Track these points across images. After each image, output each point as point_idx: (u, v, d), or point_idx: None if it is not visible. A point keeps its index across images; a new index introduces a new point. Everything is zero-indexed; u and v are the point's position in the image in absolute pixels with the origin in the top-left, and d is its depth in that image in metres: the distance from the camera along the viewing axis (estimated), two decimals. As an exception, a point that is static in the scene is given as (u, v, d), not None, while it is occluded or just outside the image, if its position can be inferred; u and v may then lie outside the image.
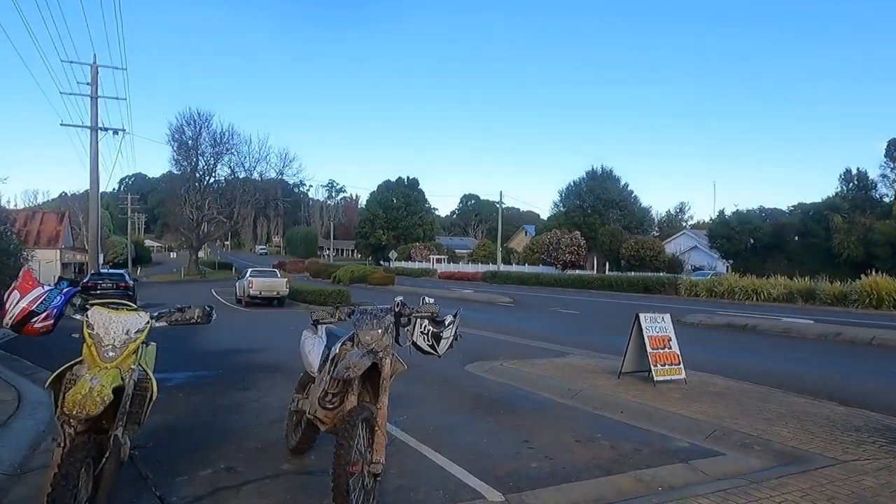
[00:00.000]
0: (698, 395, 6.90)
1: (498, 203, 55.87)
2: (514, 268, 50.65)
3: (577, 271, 44.41)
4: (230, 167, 57.53)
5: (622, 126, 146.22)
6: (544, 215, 73.44)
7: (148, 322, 2.99)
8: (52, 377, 2.77)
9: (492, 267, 50.76)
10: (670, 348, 8.09)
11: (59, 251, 40.61)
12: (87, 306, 2.93)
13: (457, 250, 75.71)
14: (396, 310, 3.80)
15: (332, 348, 3.92)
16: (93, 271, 27.22)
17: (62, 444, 2.62)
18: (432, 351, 3.82)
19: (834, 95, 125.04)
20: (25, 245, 20.04)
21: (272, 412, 5.74)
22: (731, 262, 36.86)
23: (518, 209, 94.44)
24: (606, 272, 44.79)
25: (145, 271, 59.48)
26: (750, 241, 35.13)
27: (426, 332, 3.83)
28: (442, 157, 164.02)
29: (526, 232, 74.74)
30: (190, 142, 54.57)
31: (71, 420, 2.58)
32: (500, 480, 4.10)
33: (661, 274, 33.93)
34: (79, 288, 3.27)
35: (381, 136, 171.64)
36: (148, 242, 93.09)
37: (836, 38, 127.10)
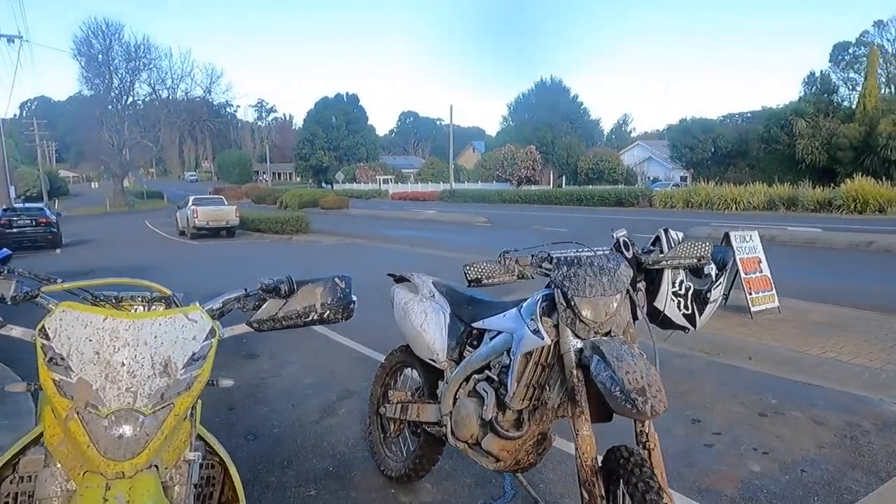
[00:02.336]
0: (815, 328, 5.67)
1: (439, 120, 53.13)
2: (471, 185, 48.91)
3: (534, 187, 43.22)
4: (150, 85, 51.72)
5: (569, 38, 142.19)
6: (489, 131, 71.28)
7: (212, 328, 1.27)
8: None
9: (444, 186, 48.81)
10: (762, 272, 6.79)
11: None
12: (43, 298, 1.23)
13: (403, 170, 72.93)
14: (628, 254, 2.09)
15: (498, 323, 2.20)
16: (4, 206, 23.57)
17: None
18: (686, 323, 2.15)
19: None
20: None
21: (310, 395, 4.01)
22: (691, 171, 36.51)
23: (460, 125, 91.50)
24: (563, 187, 43.87)
25: (64, 204, 53.90)
26: (712, 149, 34.66)
27: (683, 291, 2.14)
28: (376, 73, 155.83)
29: (474, 148, 72.51)
30: (100, 56, 48.20)
31: None
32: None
33: (636, 186, 33.11)
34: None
35: (309, 52, 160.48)
36: (63, 173, 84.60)
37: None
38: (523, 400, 2.04)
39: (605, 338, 1.88)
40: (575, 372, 1.90)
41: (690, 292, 2.10)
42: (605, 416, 1.93)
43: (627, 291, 1.96)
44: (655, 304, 2.10)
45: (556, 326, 1.99)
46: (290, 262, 11.97)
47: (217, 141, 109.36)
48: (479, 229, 20.02)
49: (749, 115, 39.08)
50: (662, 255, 2.03)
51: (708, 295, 2.10)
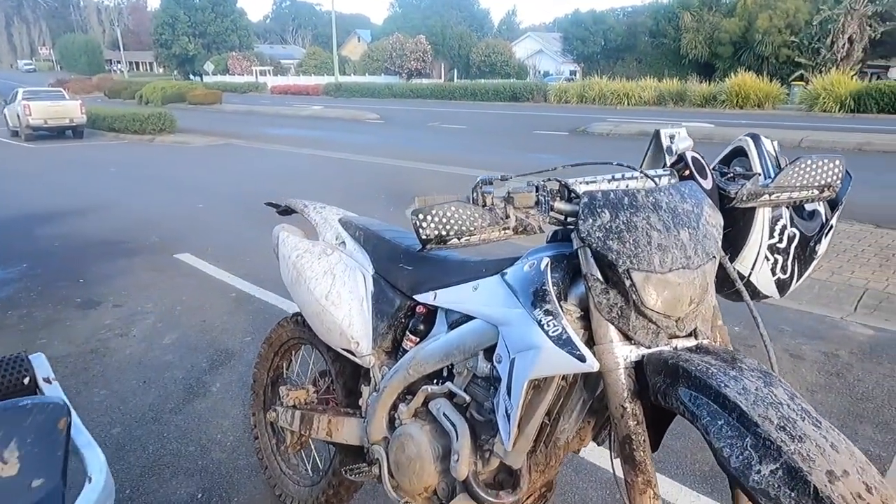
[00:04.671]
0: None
1: (318, 5, 48.47)
2: (358, 78, 45.72)
3: (425, 80, 41.20)
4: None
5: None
6: (374, 19, 66.50)
7: None
8: None
9: (328, 78, 45.27)
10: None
11: None
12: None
13: (282, 61, 67.08)
14: (706, 184, 1.20)
15: (469, 303, 1.27)
16: None
17: None
18: (775, 292, 1.33)
19: None
20: None
21: (171, 362, 2.94)
22: (581, 65, 36.15)
23: (342, 12, 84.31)
24: (454, 80, 42.27)
25: None
26: (602, 42, 34.25)
27: (785, 244, 1.29)
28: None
29: (359, 38, 67.57)
30: None
31: None
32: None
33: (528, 80, 32.21)
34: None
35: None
36: None
37: None
38: (524, 444, 1.17)
39: (697, 352, 1.01)
40: (629, 408, 1.04)
41: (794, 245, 1.27)
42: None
43: (717, 250, 1.09)
44: (737, 265, 1.25)
45: (584, 318, 1.10)
46: (151, 169, 10.10)
47: (55, 24, 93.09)
48: (371, 126, 18.51)
49: (630, 8, 38.88)
50: (766, 185, 1.17)
51: (816, 247, 1.29)
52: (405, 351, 1.47)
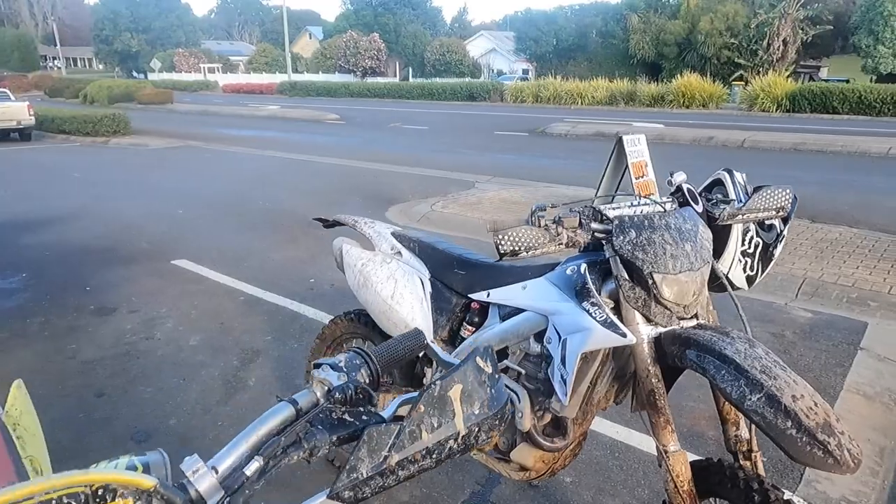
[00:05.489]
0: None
1: (265, 1, 47.78)
2: (312, 76, 45.31)
3: (380, 79, 41.29)
4: None
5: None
6: (325, 16, 65.89)
7: None
8: None
9: (281, 76, 44.75)
10: (647, 175, 6.87)
11: None
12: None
13: (231, 58, 65.60)
14: (698, 208, 1.63)
15: (520, 299, 1.66)
16: None
17: None
18: (744, 285, 1.78)
19: None
20: None
21: (203, 362, 3.22)
22: (534, 64, 37.04)
23: (291, 8, 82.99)
24: (409, 79, 42.50)
25: None
26: (554, 41, 35.20)
27: (752, 249, 1.74)
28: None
29: (311, 34, 66.80)
30: None
31: None
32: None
33: (483, 79, 32.74)
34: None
35: None
36: None
37: None
38: (576, 401, 1.58)
39: (700, 329, 1.44)
40: (652, 370, 1.47)
41: (759, 250, 1.72)
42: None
43: (709, 259, 1.52)
44: (719, 265, 1.69)
45: (615, 308, 1.51)
46: (116, 172, 10.05)
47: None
48: (332, 127, 18.62)
49: (578, 7, 39.87)
50: (739, 208, 1.61)
51: (774, 251, 1.75)
52: (463, 338, 1.85)
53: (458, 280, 1.90)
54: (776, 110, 19.61)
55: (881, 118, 17.75)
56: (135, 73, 60.67)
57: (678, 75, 22.94)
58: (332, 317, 2.38)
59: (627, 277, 1.47)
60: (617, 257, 1.49)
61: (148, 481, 0.51)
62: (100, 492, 0.49)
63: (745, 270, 1.73)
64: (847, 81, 23.86)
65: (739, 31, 29.57)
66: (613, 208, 1.64)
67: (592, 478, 2.32)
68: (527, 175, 9.26)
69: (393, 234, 2.12)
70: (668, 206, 1.62)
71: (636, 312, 1.46)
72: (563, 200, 1.73)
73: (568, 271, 1.61)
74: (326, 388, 0.68)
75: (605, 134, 13.90)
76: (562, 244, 1.52)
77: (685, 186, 1.67)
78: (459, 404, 0.60)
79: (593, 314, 1.46)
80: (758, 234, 1.73)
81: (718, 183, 1.77)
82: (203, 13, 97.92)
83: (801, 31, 28.37)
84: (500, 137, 14.76)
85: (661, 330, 1.46)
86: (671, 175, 1.70)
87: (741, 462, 1.60)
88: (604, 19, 33.87)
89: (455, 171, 9.65)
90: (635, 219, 1.49)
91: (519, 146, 13.14)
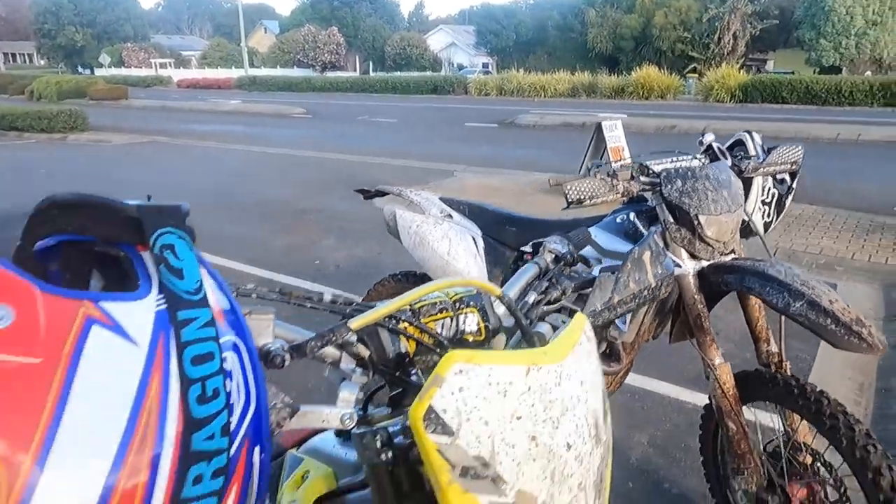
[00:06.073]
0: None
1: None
2: (271, 71, 44.60)
3: (341, 73, 41.01)
4: None
5: None
6: (280, 9, 64.89)
7: None
8: None
9: (237, 71, 43.94)
10: (626, 159, 7.23)
11: None
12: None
13: (183, 52, 63.90)
14: (727, 163, 1.89)
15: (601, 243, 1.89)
16: None
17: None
18: (762, 231, 2.05)
19: None
20: None
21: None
22: (495, 58, 37.48)
23: (245, 1, 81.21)
24: (370, 73, 42.37)
25: None
26: (514, 35, 35.71)
27: (770, 199, 2.02)
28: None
29: (266, 29, 65.66)
30: None
31: None
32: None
33: (446, 73, 32.91)
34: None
35: None
36: None
37: None
38: (634, 328, 1.83)
39: (738, 260, 1.71)
40: (697, 297, 1.72)
41: (774, 199, 2.00)
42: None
43: (742, 204, 1.78)
44: (747, 212, 1.97)
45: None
46: (84, 169, 9.86)
47: None
48: (300, 121, 18.54)
49: (533, 2, 40.50)
50: (761, 163, 1.88)
51: (785, 201, 2.03)
52: (518, 288, 2.07)
53: (509, 235, 2.12)
54: (730, 100, 20.50)
55: (826, 107, 18.80)
56: (80, 69, 58.49)
57: (636, 68, 23.70)
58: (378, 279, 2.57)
59: (672, 220, 1.72)
60: (663, 204, 1.73)
61: (497, 289, 0.70)
62: (456, 304, 0.69)
63: (762, 217, 2.01)
64: (792, 73, 25.10)
65: (692, 25, 30.68)
66: (657, 163, 1.89)
67: (621, 418, 2.59)
68: (502, 164, 9.52)
69: (441, 199, 2.33)
70: (704, 163, 1.88)
71: (682, 250, 1.71)
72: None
73: (618, 219, 1.86)
74: (554, 255, 0.89)
75: (572, 124, 14.32)
76: (618, 194, 1.76)
77: (715, 145, 1.93)
78: (649, 265, 0.82)
79: (651, 249, 1.71)
80: (774, 186, 2.00)
81: (738, 143, 2.04)
82: (150, 6, 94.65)
83: (749, 26, 29.62)
84: (470, 129, 15.02)
85: (705, 264, 1.72)
86: (702, 135, 1.96)
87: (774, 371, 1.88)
88: (561, 13, 34.56)
89: (432, 162, 9.85)
90: (680, 170, 1.74)
91: (490, 137, 13.42)
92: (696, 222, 1.67)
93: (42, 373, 0.37)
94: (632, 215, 1.82)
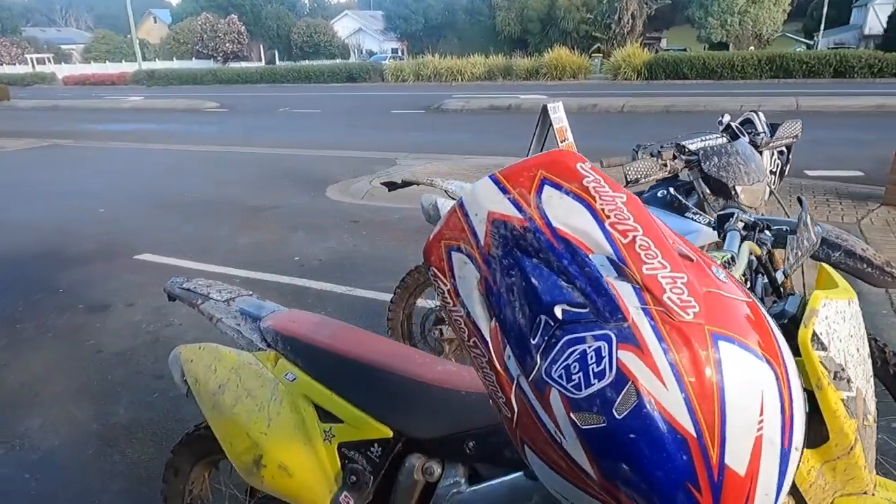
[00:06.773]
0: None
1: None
2: (169, 63, 41.94)
3: (245, 64, 39.31)
4: None
5: None
6: (172, -3, 61.06)
7: None
8: None
9: (127, 65, 41.10)
10: (568, 139, 7.56)
11: None
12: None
13: (62, 46, 58.82)
14: (746, 140, 2.15)
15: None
16: None
17: None
18: (777, 196, 2.34)
19: None
20: None
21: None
22: (405, 43, 37.25)
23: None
24: (276, 62, 40.96)
25: None
26: (423, 20, 35.65)
27: (776, 169, 2.30)
28: None
29: (156, 18, 61.60)
30: None
31: None
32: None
33: (356, 60, 32.28)
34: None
35: None
36: None
37: None
38: None
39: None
40: None
41: (778, 168, 2.30)
42: None
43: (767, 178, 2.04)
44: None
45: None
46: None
47: None
48: (216, 115, 17.72)
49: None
50: (772, 137, 2.16)
51: (785, 169, 2.34)
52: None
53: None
54: (637, 78, 21.67)
55: (722, 81, 20.32)
56: (-60, 68, 52.62)
57: (547, 50, 24.44)
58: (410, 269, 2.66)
59: (708, 191, 1.96)
60: (700, 178, 1.96)
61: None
62: None
63: (770, 185, 2.30)
64: (684, 50, 26.83)
65: (594, 6, 31.96)
66: (691, 143, 2.11)
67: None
68: (441, 149, 9.64)
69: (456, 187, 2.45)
70: (722, 140, 2.13)
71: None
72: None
73: (659, 194, 2.07)
74: None
75: (498, 107, 14.66)
76: (665, 171, 1.97)
77: (733, 125, 2.19)
78: None
79: (697, 220, 1.93)
80: (777, 158, 2.30)
81: (747, 122, 2.31)
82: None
83: (645, 6, 31.27)
84: (398, 116, 15.00)
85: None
86: (721, 117, 2.21)
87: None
88: (469, -3, 34.91)
89: (371, 151, 9.82)
90: (714, 147, 1.98)
91: (419, 123, 13.49)
92: (733, 192, 1.92)
93: None
94: (671, 190, 2.04)
